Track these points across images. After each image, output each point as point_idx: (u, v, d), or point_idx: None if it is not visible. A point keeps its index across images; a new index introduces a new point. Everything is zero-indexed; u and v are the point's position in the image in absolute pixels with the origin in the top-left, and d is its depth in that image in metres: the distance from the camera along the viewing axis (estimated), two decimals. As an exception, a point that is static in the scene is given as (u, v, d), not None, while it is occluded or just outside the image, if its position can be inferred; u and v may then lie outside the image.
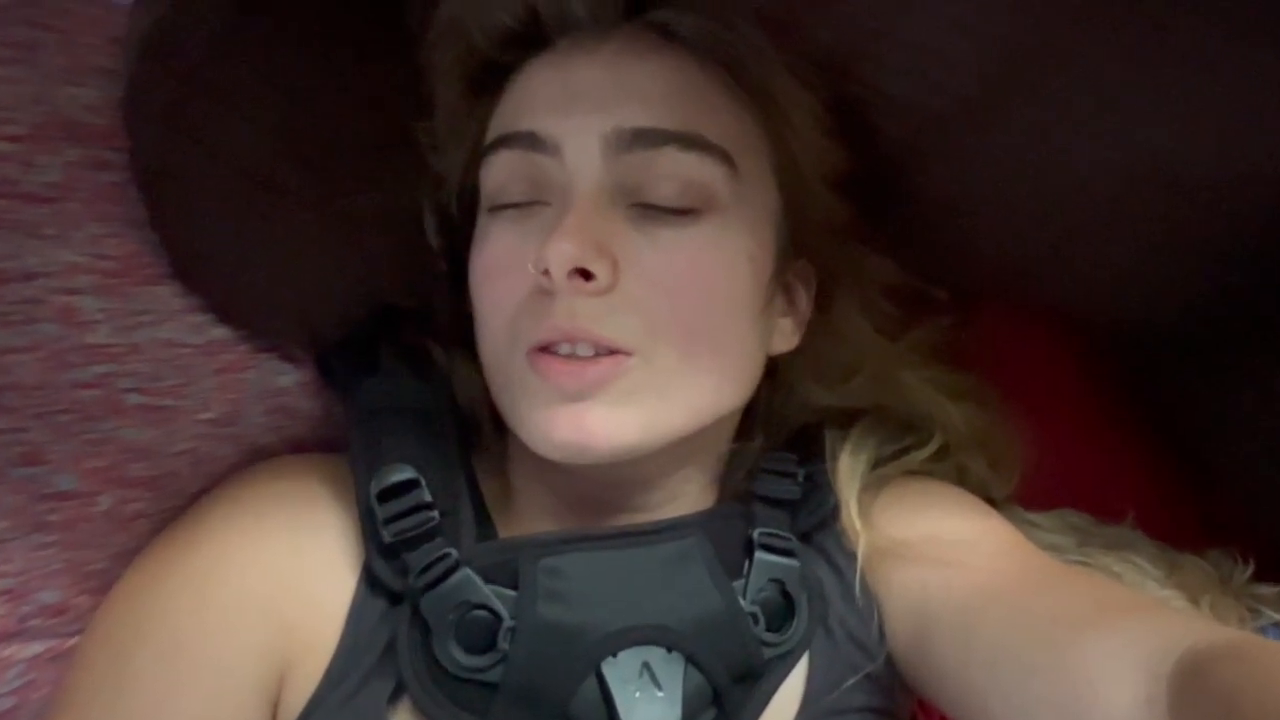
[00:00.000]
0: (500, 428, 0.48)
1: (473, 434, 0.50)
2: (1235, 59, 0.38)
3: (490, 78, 0.45)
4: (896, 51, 0.41)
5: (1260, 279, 0.50)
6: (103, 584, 0.44)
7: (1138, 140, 0.42)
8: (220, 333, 0.45)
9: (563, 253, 0.38)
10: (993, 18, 0.38)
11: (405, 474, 0.43)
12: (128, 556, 0.44)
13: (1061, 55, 0.39)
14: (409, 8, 0.43)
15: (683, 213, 0.41)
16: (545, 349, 0.40)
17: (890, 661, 0.45)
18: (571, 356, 0.40)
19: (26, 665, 0.43)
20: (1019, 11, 0.38)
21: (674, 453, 0.43)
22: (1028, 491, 0.56)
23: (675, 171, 0.40)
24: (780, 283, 0.46)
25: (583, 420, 0.39)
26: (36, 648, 0.43)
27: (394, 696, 0.41)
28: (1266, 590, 0.54)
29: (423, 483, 0.43)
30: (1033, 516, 0.56)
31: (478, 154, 0.44)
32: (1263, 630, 0.52)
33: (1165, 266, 0.52)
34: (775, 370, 0.49)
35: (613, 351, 0.40)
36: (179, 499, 0.46)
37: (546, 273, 0.38)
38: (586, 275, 0.39)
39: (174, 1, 0.40)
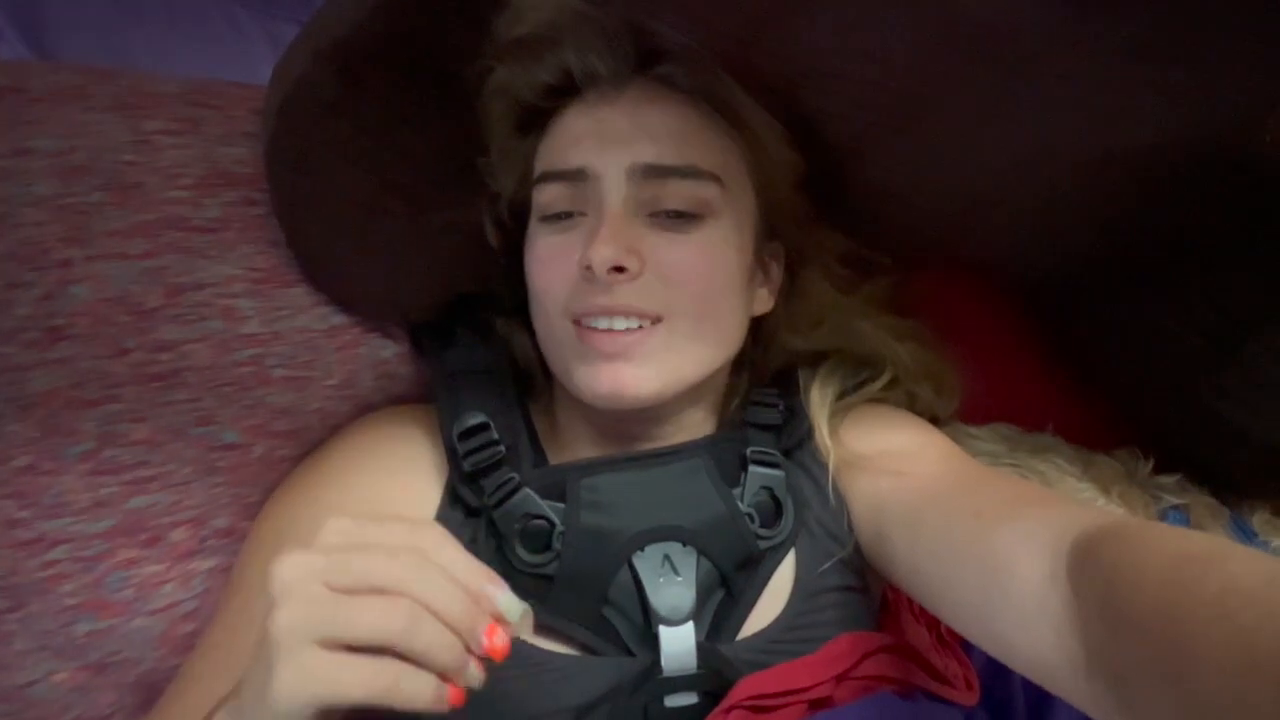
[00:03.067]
0: (549, 378, 0.59)
1: (528, 385, 0.61)
2: (1084, 74, 0.47)
3: (533, 120, 0.56)
4: (826, 80, 0.51)
5: (1132, 234, 0.60)
6: (259, 512, 0.56)
7: (1020, 136, 0.52)
8: (339, 320, 0.58)
9: (604, 255, 0.48)
10: (897, 51, 0.48)
11: (478, 419, 0.54)
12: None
13: (954, 76, 0.49)
14: (468, 73, 0.54)
15: (688, 218, 0.52)
16: (588, 325, 0.50)
17: (859, 550, 0.55)
18: (610, 330, 0.50)
19: (205, 575, 0.55)
20: (917, 47, 0.47)
21: (683, 396, 0.54)
22: (967, 411, 0.66)
23: (679, 193, 0.51)
24: (758, 262, 0.57)
25: (617, 376, 0.50)
26: (212, 562, 0.55)
27: None
28: (1165, 480, 0.64)
29: (491, 425, 0.54)
30: (972, 430, 0.66)
31: (527, 177, 0.56)
32: (1164, 513, 0.61)
33: (1056, 228, 0.62)
34: (758, 326, 0.60)
35: (644, 319, 0.50)
36: (312, 446, 0.58)
37: (589, 268, 0.49)
38: (620, 269, 0.49)
39: (297, 81, 0.52)
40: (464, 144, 0.57)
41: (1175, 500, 0.63)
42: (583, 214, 0.53)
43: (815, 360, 0.62)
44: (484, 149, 0.58)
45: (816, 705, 0.49)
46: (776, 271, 0.60)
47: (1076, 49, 0.46)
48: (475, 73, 0.55)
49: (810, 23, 0.48)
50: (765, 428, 0.58)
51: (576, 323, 0.51)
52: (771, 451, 0.56)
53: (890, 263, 0.64)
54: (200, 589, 0.55)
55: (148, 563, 0.53)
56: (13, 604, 0.49)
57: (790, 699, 0.49)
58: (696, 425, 0.58)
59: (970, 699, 0.52)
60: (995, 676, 0.54)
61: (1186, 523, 0.65)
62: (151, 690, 0.54)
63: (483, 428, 0.54)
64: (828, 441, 0.57)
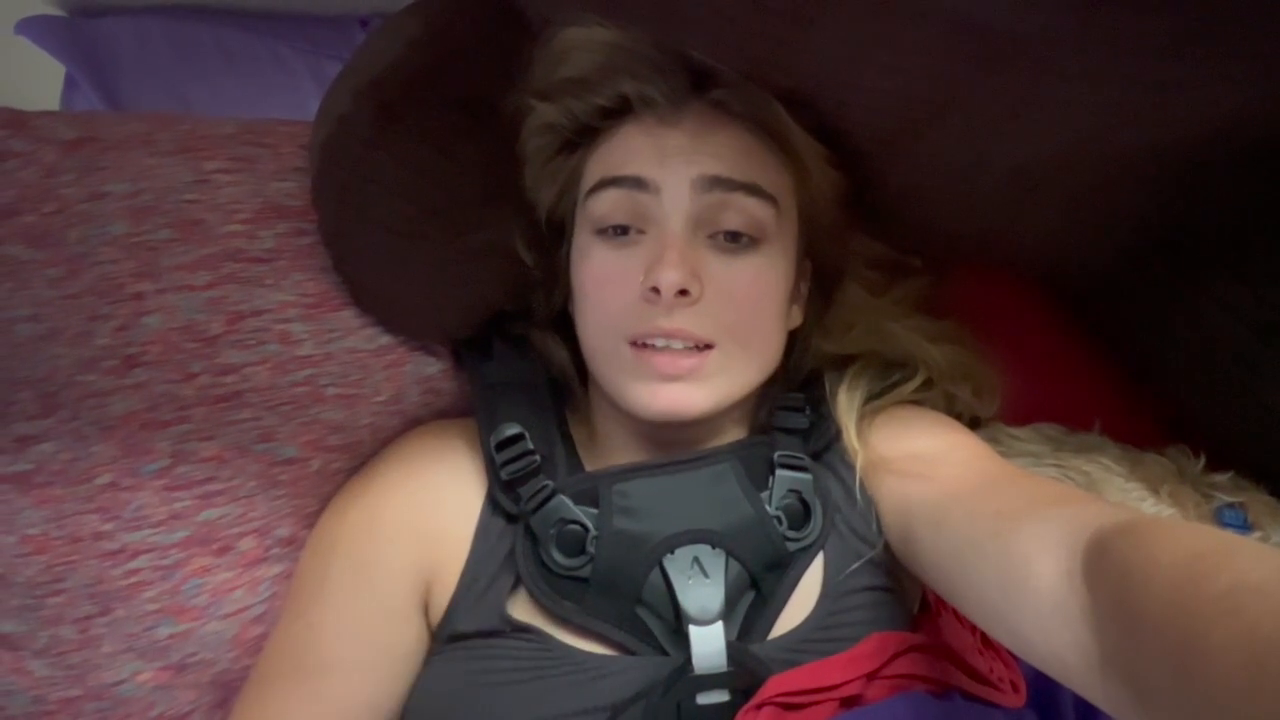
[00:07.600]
0: (585, 387, 0.61)
1: (564, 393, 0.63)
2: (1107, 74, 0.46)
3: (580, 138, 0.58)
4: (845, 91, 0.52)
5: (1173, 228, 0.58)
6: (317, 521, 0.59)
7: (1048, 136, 0.51)
8: (386, 339, 0.60)
9: (671, 280, 0.50)
10: (910, 63, 0.48)
11: (514, 430, 0.56)
12: (332, 501, 0.59)
13: (971, 81, 0.49)
14: (501, 100, 0.56)
15: (744, 242, 0.53)
16: (645, 344, 0.52)
17: (889, 551, 0.56)
18: (666, 349, 0.52)
19: (271, 582, 0.58)
20: (929, 57, 0.48)
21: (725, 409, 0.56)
22: (1009, 411, 0.66)
23: (742, 210, 0.53)
24: (795, 280, 0.58)
25: (675, 396, 0.52)
26: (277, 569, 0.58)
27: (513, 590, 0.54)
28: (1219, 478, 0.61)
29: (527, 436, 0.56)
30: (1014, 431, 0.65)
31: (569, 189, 0.58)
32: (1218, 511, 0.59)
33: (1093, 223, 0.61)
34: (790, 336, 0.61)
35: (699, 345, 0.52)
36: (364, 459, 0.61)
37: (655, 290, 0.51)
38: (684, 292, 0.51)
39: (338, 119, 0.55)
40: (498, 166, 0.58)
41: (1229, 499, 0.61)
42: (641, 231, 0.54)
43: (843, 364, 0.63)
44: (518, 167, 0.59)
45: (847, 703, 0.50)
46: (804, 287, 0.61)
47: (1093, 51, 0.46)
48: (513, 105, 0.56)
49: (824, 41, 0.48)
50: (792, 431, 0.59)
51: (633, 343, 0.53)
52: (799, 455, 0.57)
53: (920, 264, 0.64)
54: (267, 594, 0.58)
55: (219, 570, 0.56)
56: (101, 609, 0.54)
57: (820, 696, 0.50)
58: (730, 431, 0.60)
59: (1016, 701, 0.52)
60: (1043, 678, 0.53)
61: (1243, 520, 0.63)
62: (227, 689, 0.57)
63: (518, 438, 0.56)
64: (855, 444, 0.58)
